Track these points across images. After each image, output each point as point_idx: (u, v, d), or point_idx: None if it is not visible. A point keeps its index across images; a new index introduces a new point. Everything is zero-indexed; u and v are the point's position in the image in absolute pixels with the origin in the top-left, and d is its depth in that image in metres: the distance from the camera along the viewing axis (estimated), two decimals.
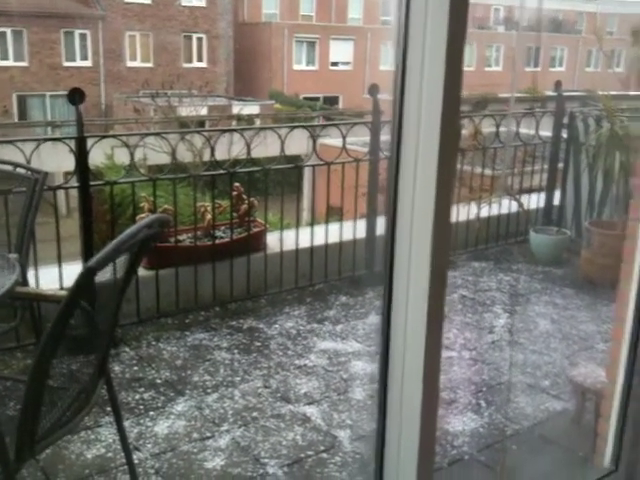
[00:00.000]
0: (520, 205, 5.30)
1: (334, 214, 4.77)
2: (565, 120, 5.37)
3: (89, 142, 3.46)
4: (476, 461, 2.70)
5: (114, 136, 4.27)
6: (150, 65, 23.48)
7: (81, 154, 3.44)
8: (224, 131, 4.47)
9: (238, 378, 3.28)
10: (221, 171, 4.12)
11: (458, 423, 2.93)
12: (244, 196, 4.26)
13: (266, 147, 4.76)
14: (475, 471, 2.64)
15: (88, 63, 23.18)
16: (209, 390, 3.17)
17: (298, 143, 4.84)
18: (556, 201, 5.54)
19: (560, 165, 5.52)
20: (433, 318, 1.49)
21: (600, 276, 4.37)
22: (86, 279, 1.63)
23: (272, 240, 4.40)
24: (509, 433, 2.90)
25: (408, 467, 1.58)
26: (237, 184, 4.29)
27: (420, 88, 1.40)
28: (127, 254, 1.95)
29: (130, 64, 23.61)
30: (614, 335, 2.32)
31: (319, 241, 4.42)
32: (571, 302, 4.27)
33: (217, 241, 4.16)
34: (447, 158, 1.42)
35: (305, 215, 6.38)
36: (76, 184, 3.53)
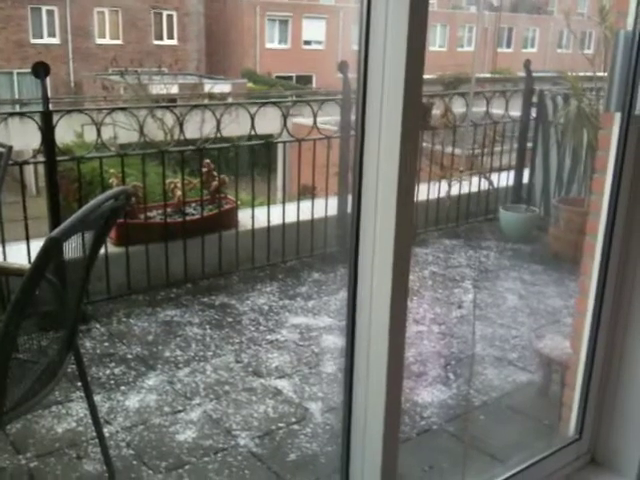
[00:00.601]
0: (490, 183, 5.37)
1: (308, 192, 4.79)
2: (534, 99, 5.43)
3: (55, 117, 3.41)
4: (444, 431, 2.75)
5: (80, 110, 4.22)
6: (119, 42, 23.05)
7: (47, 129, 3.39)
8: (193, 107, 4.43)
9: (210, 353, 3.29)
10: (190, 147, 4.09)
11: (427, 395, 2.98)
12: (214, 173, 4.24)
13: (239, 126, 4.74)
14: (443, 441, 2.70)
15: (56, 40, 22.68)
16: (181, 365, 3.17)
17: (271, 122, 4.82)
18: (526, 179, 5.61)
19: (530, 145, 5.59)
20: (397, 293, 1.51)
21: (567, 252, 4.45)
22: (49, 248, 1.61)
23: (244, 217, 4.40)
24: (477, 404, 2.96)
25: (374, 437, 1.60)
26: (207, 161, 4.27)
27: (382, 68, 1.41)
28: (94, 227, 1.94)
29: (99, 41, 23.14)
30: (578, 307, 2.37)
31: (291, 219, 4.43)
32: (539, 278, 4.35)
33: (188, 218, 4.14)
34: (410, 137, 1.43)
35: (279, 194, 6.38)
36: (42, 159, 3.48)
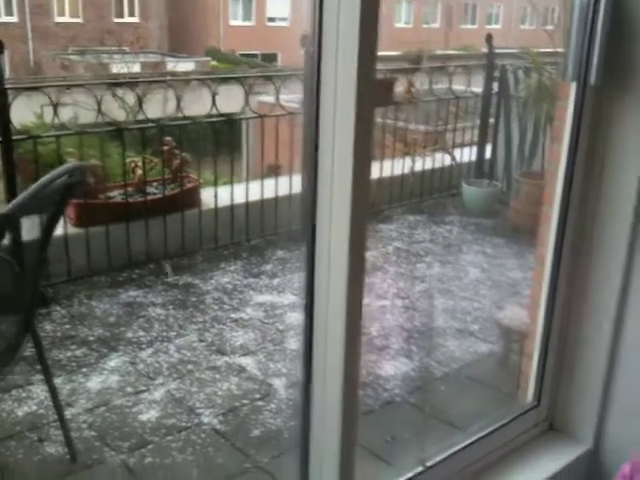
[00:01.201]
0: (453, 159, 5.40)
1: (274, 171, 4.76)
2: (497, 74, 5.46)
3: (10, 95, 3.33)
4: (406, 402, 2.79)
5: (36, 88, 4.11)
6: (79, 20, 22.51)
7: (2, 107, 3.31)
8: (151, 82, 4.37)
9: (173, 333, 3.28)
10: (150, 124, 4.03)
11: (390, 368, 3.01)
12: (176, 151, 4.19)
13: (203, 105, 4.68)
14: (405, 412, 2.73)
15: (14, 19, 22.06)
16: (143, 345, 3.15)
17: (236, 101, 4.77)
18: (488, 154, 5.65)
19: (493, 121, 5.63)
20: (354, 269, 1.50)
21: (527, 225, 4.50)
22: (1, 226, 1.58)
23: (207, 196, 4.35)
24: (438, 375, 3.00)
25: (333, 410, 1.61)
26: (168, 139, 4.21)
27: (336, 43, 1.40)
28: (48, 204, 1.90)
29: (58, 19, 22.57)
30: (535, 277, 2.40)
31: (255, 197, 4.40)
32: (501, 251, 4.41)
33: (149, 197, 4.09)
34: (365, 113, 1.42)
35: (245, 173, 6.34)
36: None
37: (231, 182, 4.38)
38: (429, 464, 1.94)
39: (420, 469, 1.91)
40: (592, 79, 2.01)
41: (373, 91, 1.44)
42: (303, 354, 1.68)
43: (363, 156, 1.45)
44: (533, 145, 5.12)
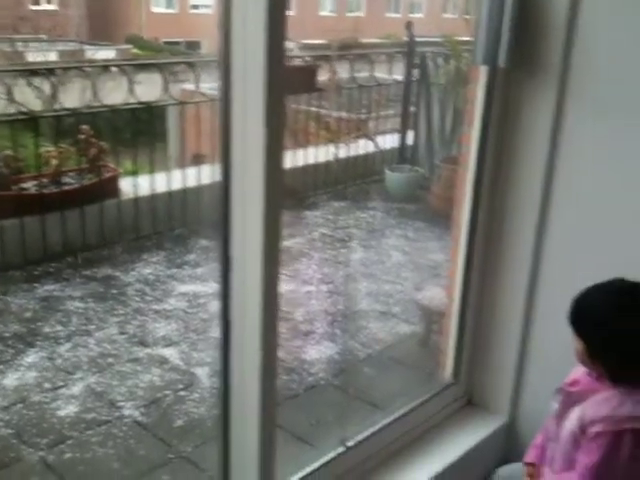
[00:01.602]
0: (376, 145, 5.46)
1: (200, 159, 4.69)
2: (417, 61, 5.54)
3: None
4: (331, 385, 2.81)
5: None
6: None
7: None
8: (66, 68, 4.22)
9: (93, 326, 3.19)
10: (65, 112, 3.90)
11: (315, 352, 3.03)
12: (93, 140, 4.06)
13: (124, 93, 4.55)
14: (329, 394, 2.76)
15: None
16: (61, 340, 3.06)
17: (158, 89, 4.66)
18: (411, 141, 5.74)
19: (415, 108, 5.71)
20: (269, 257, 1.50)
21: (447, 209, 4.59)
22: None
23: (127, 186, 4.25)
24: (362, 357, 3.04)
25: (252, 396, 1.61)
26: (85, 127, 4.08)
27: (244, 30, 1.38)
28: None
29: None
30: (451, 256, 2.46)
31: (178, 186, 4.32)
32: (422, 235, 4.50)
33: (65, 188, 3.95)
34: (275, 101, 1.40)
35: (170, 162, 6.23)
36: None
37: (151, 171, 4.29)
38: (350, 444, 1.97)
39: (341, 450, 1.94)
40: (501, 62, 2.07)
41: (285, 78, 1.43)
42: (220, 342, 1.67)
43: (275, 143, 1.43)
44: (453, 131, 5.23)
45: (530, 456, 1.77)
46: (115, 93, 4.36)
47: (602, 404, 1.49)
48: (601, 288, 1.54)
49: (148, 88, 4.17)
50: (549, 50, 1.98)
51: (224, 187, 1.53)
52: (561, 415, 1.60)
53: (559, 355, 1.70)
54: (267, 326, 1.55)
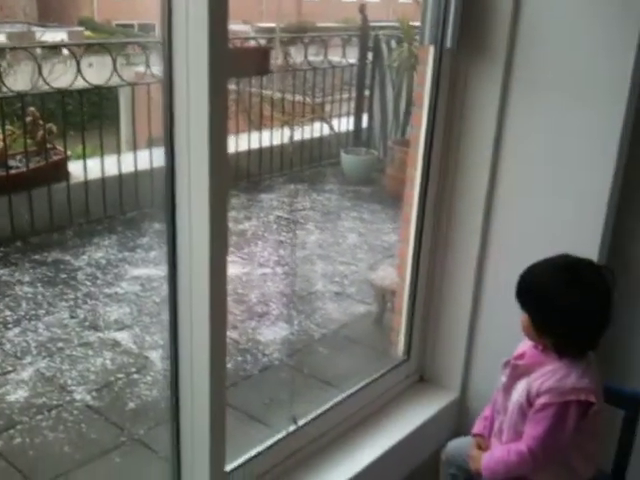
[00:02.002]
0: (331, 128, 5.46)
1: (151, 142, 4.61)
2: (371, 44, 5.55)
3: None
4: (286, 365, 2.82)
5: None
6: None
7: None
8: (12, 49, 4.10)
9: (42, 311, 3.13)
10: (11, 94, 3.79)
11: (270, 333, 3.03)
12: (40, 122, 3.97)
13: (75, 77, 4.45)
14: (284, 374, 2.77)
15: None
16: (10, 325, 3.00)
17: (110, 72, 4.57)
18: (366, 123, 5.76)
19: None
20: (216, 239, 1.48)
21: (402, 190, 4.62)
22: None
23: (77, 169, 4.16)
24: (317, 337, 3.06)
25: (201, 376, 1.60)
26: (32, 109, 3.97)
27: (186, 11, 1.36)
28: None
29: None
30: (402, 235, 2.48)
31: (129, 169, 4.25)
32: (377, 216, 4.53)
33: (12, 171, 3.85)
34: (218, 82, 1.38)
35: (124, 146, 6.13)
36: None
37: (102, 154, 4.20)
38: (302, 423, 1.98)
39: (293, 428, 1.95)
40: (448, 42, 2.09)
41: (229, 60, 1.41)
42: (170, 325, 1.65)
43: (219, 126, 1.41)
44: (407, 113, 5.26)
45: (478, 427, 1.80)
46: (66, 76, 4.26)
47: (548, 376, 1.53)
48: (547, 264, 1.57)
49: (100, 71, 4.09)
50: (495, 31, 2.01)
51: (169, 170, 1.51)
52: (508, 388, 1.63)
53: (508, 330, 1.73)
54: (215, 308, 1.54)
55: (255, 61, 4.41)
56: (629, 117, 1.87)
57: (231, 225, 4.36)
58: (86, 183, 4.04)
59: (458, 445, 1.88)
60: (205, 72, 1.35)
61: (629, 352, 2.16)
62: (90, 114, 4.28)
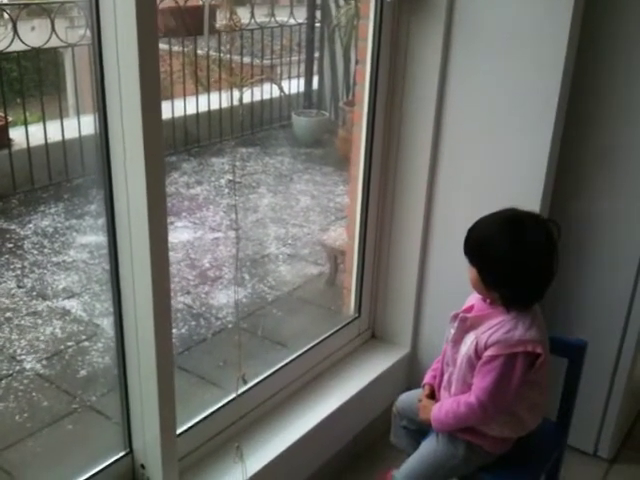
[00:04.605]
0: (281, 89, 5.40)
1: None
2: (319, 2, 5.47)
3: None
4: (239, 328, 2.82)
5: None
6: None
7: None
8: None
9: None
10: None
11: (223, 297, 3.03)
12: None
13: (12, 39, 4.27)
14: (237, 337, 2.77)
15: None
16: None
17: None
18: (317, 84, 5.70)
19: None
20: (154, 203, 1.45)
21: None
22: None
23: (20, 136, 4.03)
24: (270, 300, 3.06)
25: (146, 338, 1.59)
26: None
27: None
28: None
29: None
30: (350, 194, 2.48)
31: (73, 134, 4.13)
32: (330, 179, 4.52)
33: None
34: (148, 44, 1.33)
35: (71, 111, 5.95)
36: None
37: (43, 119, 4.07)
38: (253, 383, 1.99)
39: (245, 388, 1.95)
40: None
41: (156, 19, 1.35)
42: (111, 292, 1.63)
43: (151, 88, 1.37)
44: (356, 72, 5.22)
45: (428, 378, 1.81)
46: (7, 40, 4.09)
47: (496, 329, 1.54)
48: (493, 218, 1.57)
49: (43, 34, 3.93)
50: None
51: (103, 136, 1.47)
52: (457, 340, 1.65)
53: (456, 285, 1.75)
54: (157, 274, 1.51)
55: (194, 21, 4.30)
56: (568, 73, 1.89)
57: (182, 190, 4.29)
58: (29, 150, 3.92)
59: (409, 398, 1.90)
60: (134, 32, 1.30)
61: (570, 303, 2.23)
62: (31, 79, 4.14)
